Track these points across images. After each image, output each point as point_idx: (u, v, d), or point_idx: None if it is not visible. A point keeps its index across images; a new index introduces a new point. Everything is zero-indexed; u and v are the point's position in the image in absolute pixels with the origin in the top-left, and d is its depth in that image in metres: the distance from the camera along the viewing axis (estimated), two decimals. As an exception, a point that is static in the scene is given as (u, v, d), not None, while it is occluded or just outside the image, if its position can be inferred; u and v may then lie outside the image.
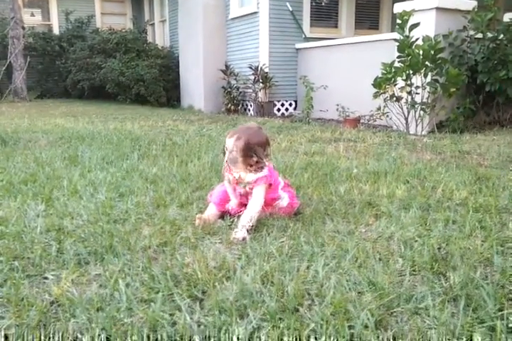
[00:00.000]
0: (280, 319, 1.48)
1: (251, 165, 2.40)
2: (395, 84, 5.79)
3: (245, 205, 2.44)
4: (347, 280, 1.71)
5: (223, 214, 2.49)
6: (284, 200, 2.53)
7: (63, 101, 13.35)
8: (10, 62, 13.03)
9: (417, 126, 5.86)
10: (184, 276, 1.77)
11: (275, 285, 1.67)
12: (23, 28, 13.43)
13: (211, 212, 2.48)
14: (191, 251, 2.03)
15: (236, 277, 1.74)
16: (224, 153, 2.46)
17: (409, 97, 5.77)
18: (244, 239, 2.16)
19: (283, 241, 2.12)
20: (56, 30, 15.62)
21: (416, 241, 2.11)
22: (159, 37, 14.91)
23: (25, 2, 15.47)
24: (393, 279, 1.72)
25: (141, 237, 2.18)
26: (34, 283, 1.75)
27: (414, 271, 1.81)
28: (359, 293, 1.64)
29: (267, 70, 8.62)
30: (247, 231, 2.22)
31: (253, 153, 2.36)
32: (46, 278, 1.80)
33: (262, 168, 2.41)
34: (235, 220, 2.37)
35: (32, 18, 15.62)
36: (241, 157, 2.37)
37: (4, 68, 5.24)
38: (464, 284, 1.66)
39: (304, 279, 1.73)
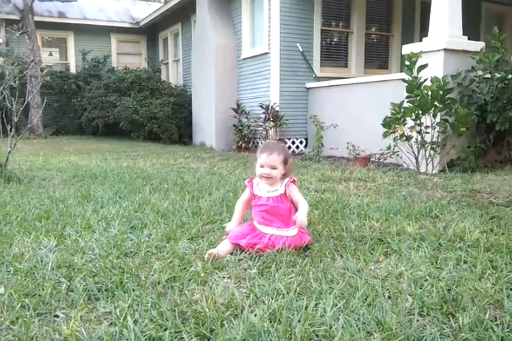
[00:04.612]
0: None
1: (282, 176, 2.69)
2: (405, 124, 5.85)
3: (254, 245, 2.48)
4: (355, 320, 1.70)
5: (234, 250, 2.51)
6: (294, 229, 2.61)
7: (78, 138, 13.58)
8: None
9: (427, 165, 5.87)
10: (192, 313, 1.76)
11: (283, 325, 1.66)
12: (41, 69, 13.84)
13: (223, 248, 2.49)
14: (200, 287, 2.04)
15: (244, 315, 1.73)
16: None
17: (419, 137, 5.81)
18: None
19: (291, 278, 2.12)
20: (73, 69, 16.09)
21: (426, 280, 2.09)
22: (173, 76, 15.27)
23: (44, 42, 16.01)
24: (402, 319, 1.71)
25: (150, 272, 2.20)
26: (44, 322, 1.75)
27: (423, 311, 1.79)
28: (368, 333, 1.63)
29: (277, 109, 8.75)
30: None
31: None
32: (57, 316, 1.79)
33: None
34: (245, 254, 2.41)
35: (50, 57, 16.15)
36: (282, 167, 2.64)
37: (22, 107, 5.40)
38: (473, 326, 1.65)
39: (312, 319, 1.71)
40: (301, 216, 2.54)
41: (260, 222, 2.62)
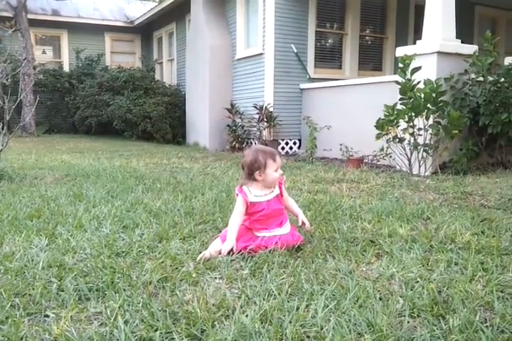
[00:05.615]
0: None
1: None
2: (398, 126, 5.87)
3: (246, 247, 2.47)
4: (346, 321, 1.70)
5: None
6: (287, 225, 2.65)
7: (70, 137, 13.53)
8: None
9: (420, 167, 5.89)
10: (184, 314, 1.76)
11: (274, 326, 1.66)
12: (34, 67, 13.76)
13: (215, 247, 2.49)
14: (191, 287, 2.04)
15: (235, 316, 1.73)
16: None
17: (412, 139, 5.83)
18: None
19: (283, 279, 2.12)
20: (66, 68, 16.02)
21: (417, 282, 2.10)
22: (167, 75, 15.24)
23: (38, 40, 15.93)
24: (392, 320, 1.71)
25: (142, 272, 2.19)
26: (34, 322, 1.75)
27: (413, 312, 1.80)
28: (358, 334, 1.63)
29: (271, 109, 8.75)
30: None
31: None
32: (47, 315, 1.78)
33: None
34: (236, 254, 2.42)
35: (43, 55, 16.07)
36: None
37: (15, 105, 5.40)
38: (463, 327, 1.65)
39: (304, 320, 1.71)
40: (306, 219, 2.82)
41: (255, 229, 2.61)
